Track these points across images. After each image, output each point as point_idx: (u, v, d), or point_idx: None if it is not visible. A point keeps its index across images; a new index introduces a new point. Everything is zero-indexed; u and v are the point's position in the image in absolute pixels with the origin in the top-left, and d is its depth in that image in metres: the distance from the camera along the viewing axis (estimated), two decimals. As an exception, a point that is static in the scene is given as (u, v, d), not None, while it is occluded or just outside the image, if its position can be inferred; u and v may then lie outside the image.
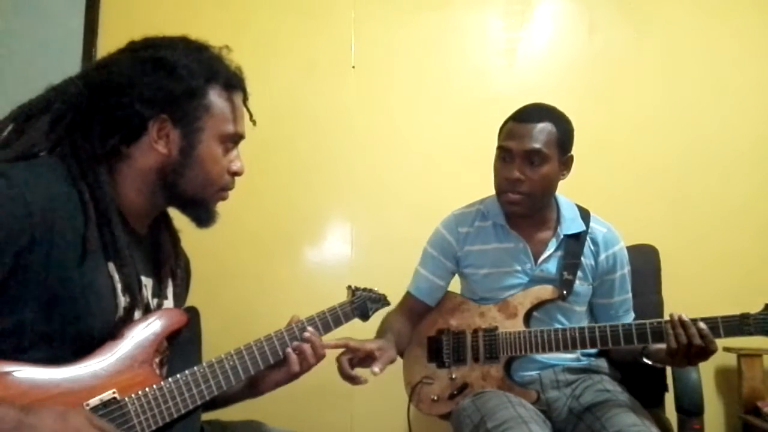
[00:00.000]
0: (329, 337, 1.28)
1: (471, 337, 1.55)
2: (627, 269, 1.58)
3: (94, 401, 0.89)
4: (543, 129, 1.45)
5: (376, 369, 1.36)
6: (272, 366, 1.16)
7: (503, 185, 1.50)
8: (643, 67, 2.27)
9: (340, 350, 1.34)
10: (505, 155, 1.49)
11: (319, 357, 1.19)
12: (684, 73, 2.26)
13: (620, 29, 2.30)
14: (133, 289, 0.97)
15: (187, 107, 0.98)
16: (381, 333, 1.56)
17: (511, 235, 1.56)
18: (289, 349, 1.15)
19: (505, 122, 1.53)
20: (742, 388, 2.04)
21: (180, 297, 1.13)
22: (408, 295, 1.65)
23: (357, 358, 1.36)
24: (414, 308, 1.63)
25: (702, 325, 1.30)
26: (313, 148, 2.29)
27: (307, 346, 1.16)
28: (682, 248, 2.10)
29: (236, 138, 1.06)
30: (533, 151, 1.44)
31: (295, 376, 1.18)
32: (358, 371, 1.35)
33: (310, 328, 1.18)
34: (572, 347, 1.45)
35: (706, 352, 1.30)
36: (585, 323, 1.53)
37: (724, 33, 2.27)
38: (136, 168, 0.99)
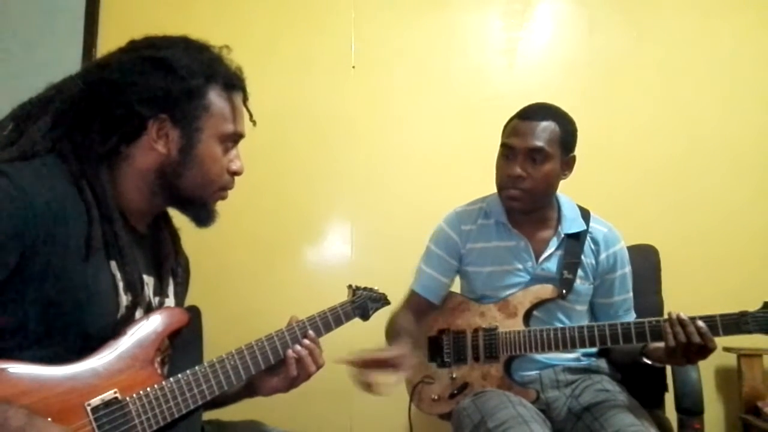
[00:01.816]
0: (328, 337, 1.28)
1: (471, 336, 1.55)
2: (627, 269, 1.58)
3: (96, 401, 0.89)
4: (546, 127, 1.46)
5: (394, 378, 1.29)
6: (272, 372, 1.16)
7: (505, 182, 1.50)
8: (643, 67, 2.27)
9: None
10: (507, 152, 1.49)
11: (319, 365, 1.19)
12: (684, 73, 2.26)
13: (620, 29, 2.30)
14: (135, 287, 0.97)
15: (186, 107, 0.98)
16: (393, 334, 1.54)
17: (512, 233, 1.56)
18: (290, 351, 1.15)
19: (510, 120, 1.54)
20: (742, 388, 2.04)
21: (180, 296, 1.13)
22: (413, 294, 1.64)
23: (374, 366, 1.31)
24: (419, 306, 1.62)
25: (700, 323, 1.30)
26: (312, 148, 2.29)
27: (306, 354, 1.15)
28: (682, 248, 2.10)
29: (236, 137, 1.06)
30: (536, 148, 1.45)
31: (293, 383, 1.17)
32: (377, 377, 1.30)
33: (310, 332, 1.18)
34: (571, 347, 1.45)
35: (705, 350, 1.30)
36: (585, 323, 1.53)
37: (723, 33, 2.27)
38: (136, 167, 0.99)
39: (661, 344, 1.35)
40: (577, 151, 1.53)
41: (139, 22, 2.31)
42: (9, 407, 0.78)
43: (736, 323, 1.31)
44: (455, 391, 1.53)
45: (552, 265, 1.54)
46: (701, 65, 2.26)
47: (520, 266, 1.55)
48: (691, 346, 1.29)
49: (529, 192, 1.47)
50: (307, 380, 1.18)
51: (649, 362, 1.45)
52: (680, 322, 1.31)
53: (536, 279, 1.54)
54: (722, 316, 1.32)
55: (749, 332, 1.31)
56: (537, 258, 1.54)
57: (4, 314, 0.86)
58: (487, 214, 1.60)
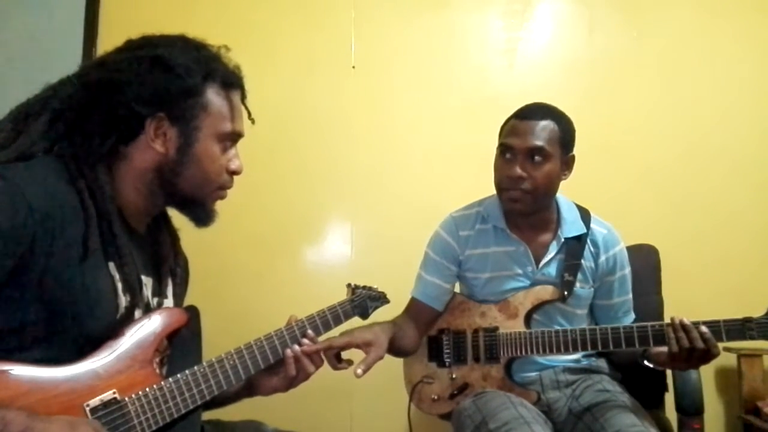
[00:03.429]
0: (328, 336, 1.28)
1: (471, 336, 1.55)
2: (627, 270, 1.57)
3: (95, 401, 0.89)
4: (545, 126, 1.44)
5: (359, 371, 1.30)
6: (271, 372, 1.16)
7: (504, 183, 1.48)
8: (643, 67, 2.27)
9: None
10: (506, 152, 1.47)
11: (318, 365, 1.19)
12: (684, 73, 2.26)
13: (620, 29, 2.30)
14: (134, 288, 0.97)
15: (184, 106, 0.98)
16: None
17: (511, 238, 1.54)
18: (288, 351, 1.15)
19: (507, 120, 1.52)
20: (742, 388, 2.04)
21: (179, 296, 1.13)
22: (414, 301, 1.61)
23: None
24: (421, 314, 1.59)
25: (704, 328, 1.29)
26: (313, 148, 2.28)
27: (304, 355, 1.16)
28: (682, 248, 2.10)
29: (234, 137, 1.05)
30: (535, 148, 1.43)
31: (292, 383, 1.18)
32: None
33: (309, 332, 1.18)
34: (573, 349, 1.44)
35: (708, 355, 1.30)
36: (587, 326, 1.52)
37: (724, 33, 2.27)
38: (135, 167, 0.99)
39: (664, 349, 1.34)
40: (578, 151, 1.52)
41: (139, 21, 2.29)
42: (8, 411, 0.77)
43: (740, 329, 1.31)
44: (455, 392, 1.53)
45: (552, 270, 1.53)
46: (701, 65, 2.26)
47: (520, 271, 1.54)
48: (695, 352, 1.29)
49: (530, 193, 1.45)
50: (306, 380, 1.19)
51: (650, 366, 1.44)
52: (683, 327, 1.30)
53: (536, 284, 1.53)
54: (726, 321, 1.31)
55: (753, 338, 1.30)
56: (537, 263, 1.53)
57: (4, 316, 0.85)
58: (485, 219, 1.58)
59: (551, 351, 1.46)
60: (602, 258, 1.54)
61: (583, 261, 1.52)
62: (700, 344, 1.28)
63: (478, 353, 1.53)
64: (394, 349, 1.49)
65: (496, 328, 1.52)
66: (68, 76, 0.99)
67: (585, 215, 1.57)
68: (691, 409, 1.54)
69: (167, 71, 0.96)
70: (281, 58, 2.31)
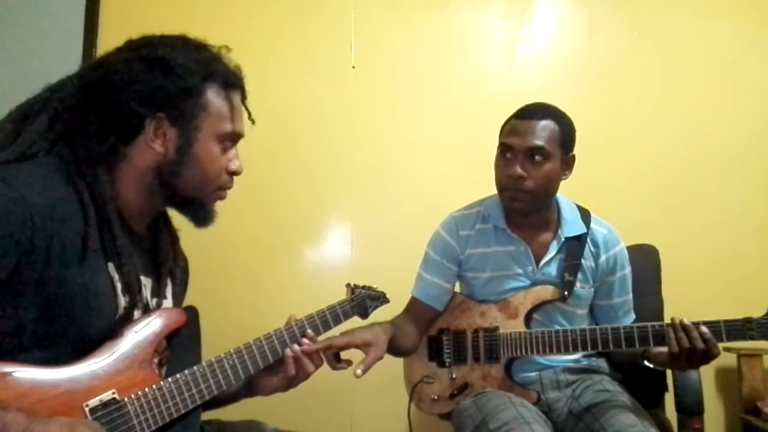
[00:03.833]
0: (328, 336, 1.28)
1: (471, 336, 1.55)
2: (627, 270, 1.57)
3: (94, 402, 0.89)
4: (546, 126, 1.44)
5: (358, 371, 1.30)
6: (271, 372, 1.16)
7: (505, 182, 1.48)
8: (643, 67, 2.27)
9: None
10: (507, 152, 1.47)
11: (317, 365, 1.19)
12: (684, 73, 2.26)
13: (620, 29, 2.29)
14: (133, 289, 0.97)
15: (184, 106, 0.98)
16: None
17: (512, 238, 1.54)
18: (288, 350, 1.15)
19: (507, 120, 1.52)
20: (742, 388, 2.04)
21: (179, 297, 1.13)
22: (414, 301, 1.61)
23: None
24: (422, 313, 1.59)
25: (704, 329, 1.29)
26: (313, 148, 2.28)
27: (303, 355, 1.16)
28: (682, 248, 2.10)
29: (234, 137, 1.05)
30: (536, 147, 1.43)
31: (292, 383, 1.18)
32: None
33: (309, 332, 1.18)
34: (573, 349, 1.44)
35: (708, 356, 1.29)
36: (587, 326, 1.52)
37: (724, 33, 2.27)
38: (134, 167, 0.99)
39: (664, 349, 1.34)
40: (578, 151, 1.52)
41: (139, 22, 2.30)
42: (7, 412, 0.78)
43: (741, 330, 1.30)
44: (455, 392, 1.53)
45: (552, 270, 1.53)
46: (701, 65, 2.26)
47: (520, 271, 1.54)
48: (695, 352, 1.29)
49: (530, 192, 1.45)
50: (306, 380, 1.19)
51: (651, 366, 1.44)
52: (683, 327, 1.30)
53: (537, 284, 1.53)
54: (726, 321, 1.31)
55: (753, 339, 1.30)
56: (537, 263, 1.53)
57: (3, 317, 0.85)
58: (485, 219, 1.58)
59: (551, 351, 1.46)
60: (602, 258, 1.54)
61: (583, 261, 1.52)
62: (700, 344, 1.28)
63: (478, 353, 1.53)
64: (394, 349, 1.49)
65: (496, 328, 1.52)
66: (68, 76, 0.99)
67: (585, 215, 1.57)
68: (691, 409, 1.54)
69: (167, 72, 0.96)
70: (281, 58, 2.31)
